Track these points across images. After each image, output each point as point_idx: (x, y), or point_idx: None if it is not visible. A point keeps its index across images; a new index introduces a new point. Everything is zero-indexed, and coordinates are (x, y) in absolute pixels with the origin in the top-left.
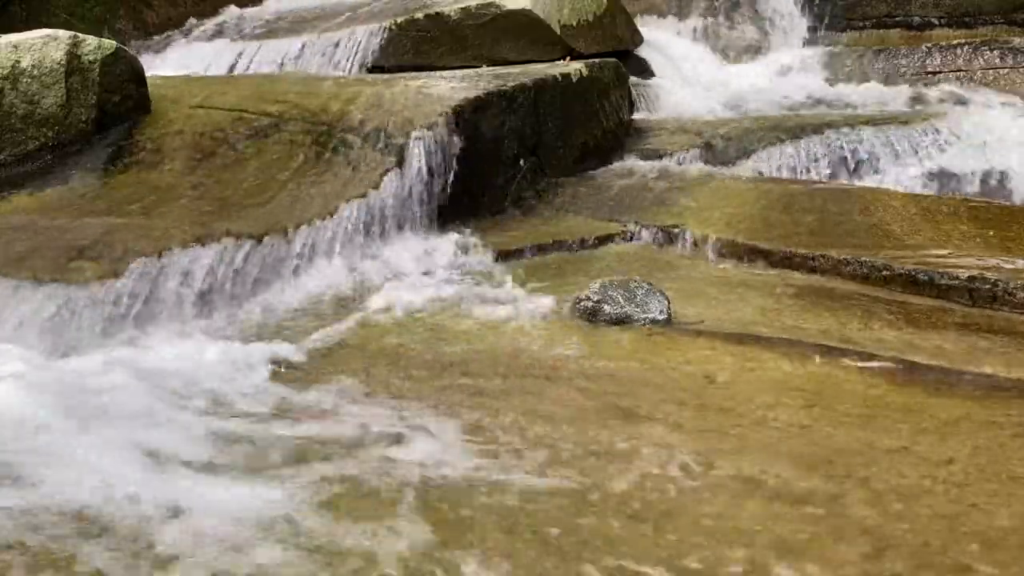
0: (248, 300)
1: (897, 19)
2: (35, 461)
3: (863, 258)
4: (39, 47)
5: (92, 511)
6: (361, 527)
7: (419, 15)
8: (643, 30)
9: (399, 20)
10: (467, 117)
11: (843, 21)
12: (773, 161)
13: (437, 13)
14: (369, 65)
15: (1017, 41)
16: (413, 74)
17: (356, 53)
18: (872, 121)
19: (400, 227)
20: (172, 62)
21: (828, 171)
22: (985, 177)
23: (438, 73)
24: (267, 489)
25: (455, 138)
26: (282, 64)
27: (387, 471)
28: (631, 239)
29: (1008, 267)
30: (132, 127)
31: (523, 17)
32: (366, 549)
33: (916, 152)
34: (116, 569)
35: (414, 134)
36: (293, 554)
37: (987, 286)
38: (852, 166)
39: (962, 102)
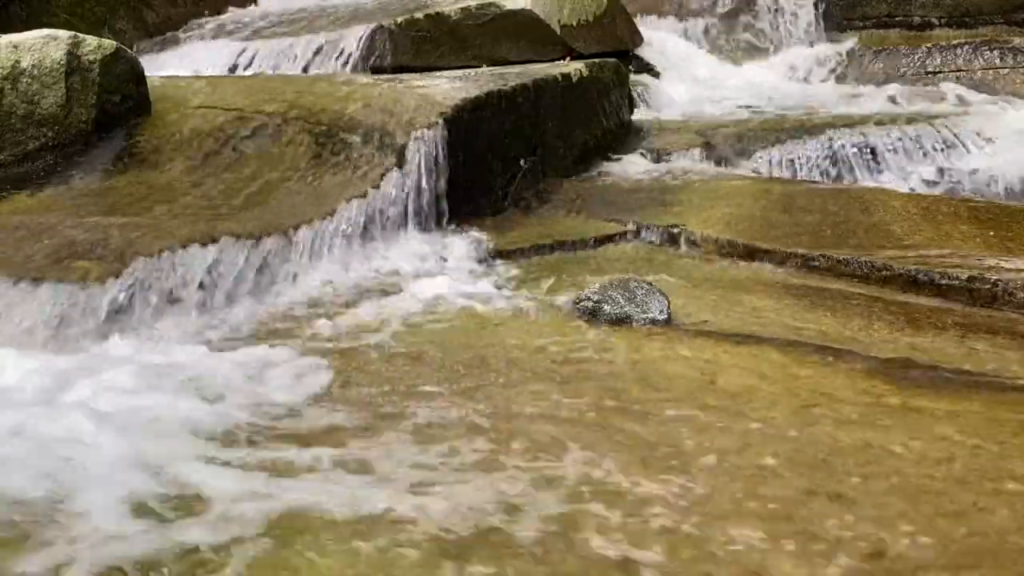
0: (248, 300)
1: (897, 19)
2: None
3: (863, 258)
4: (39, 47)
5: None
6: None
7: (419, 15)
8: (643, 30)
9: (399, 20)
10: (467, 117)
11: (843, 21)
12: (773, 161)
13: (437, 13)
14: (369, 65)
15: (1017, 41)
16: (413, 74)
17: (356, 53)
18: (872, 121)
19: (400, 227)
20: (172, 62)
21: (829, 171)
22: (985, 177)
23: (438, 73)
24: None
25: (455, 138)
26: (282, 64)
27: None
28: (631, 239)
29: (1008, 267)
30: (132, 127)
31: (523, 17)
32: None
33: (917, 152)
34: None
35: (414, 134)
36: None
37: (987, 286)
38: (853, 166)
39: (963, 102)
